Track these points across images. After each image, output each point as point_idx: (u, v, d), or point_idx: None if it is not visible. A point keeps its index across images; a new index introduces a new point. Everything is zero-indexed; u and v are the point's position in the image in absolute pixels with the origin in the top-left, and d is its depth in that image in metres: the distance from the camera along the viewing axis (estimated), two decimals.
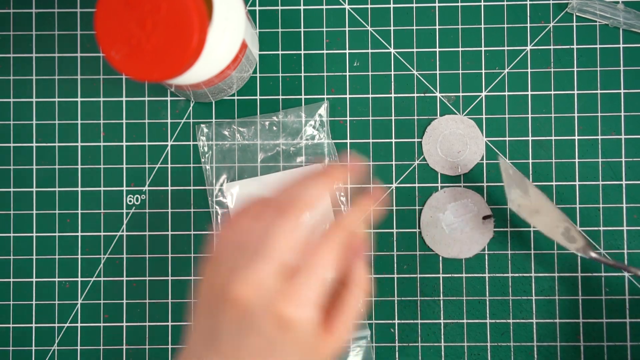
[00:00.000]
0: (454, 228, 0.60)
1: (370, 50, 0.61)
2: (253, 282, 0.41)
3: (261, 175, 0.62)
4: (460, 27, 0.61)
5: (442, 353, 0.61)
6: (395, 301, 0.61)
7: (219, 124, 0.61)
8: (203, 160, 0.61)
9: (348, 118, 0.62)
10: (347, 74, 0.62)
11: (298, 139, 0.61)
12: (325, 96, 0.61)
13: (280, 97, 0.62)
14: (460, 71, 0.61)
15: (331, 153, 0.61)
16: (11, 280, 0.62)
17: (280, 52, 0.62)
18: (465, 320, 0.61)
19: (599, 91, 0.61)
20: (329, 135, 0.61)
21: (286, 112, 0.61)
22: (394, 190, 0.61)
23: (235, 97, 0.62)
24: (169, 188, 0.62)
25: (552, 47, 0.61)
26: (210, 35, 0.46)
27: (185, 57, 0.44)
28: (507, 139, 0.61)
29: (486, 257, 0.61)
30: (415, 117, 0.61)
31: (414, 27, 0.62)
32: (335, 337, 0.43)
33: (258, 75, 0.62)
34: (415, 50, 0.62)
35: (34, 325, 0.62)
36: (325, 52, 0.62)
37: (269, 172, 0.61)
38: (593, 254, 0.57)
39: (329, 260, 0.42)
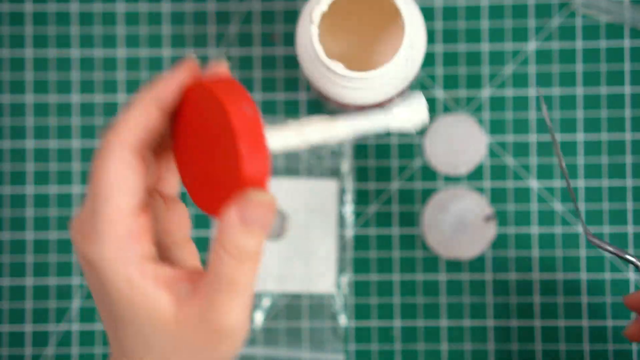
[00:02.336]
0: (455, 229, 0.60)
1: None
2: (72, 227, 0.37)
3: (275, 177, 0.61)
4: (462, 25, 0.61)
5: (444, 356, 0.60)
6: (396, 303, 0.61)
7: None
8: None
9: None
10: None
11: (320, 151, 0.61)
12: None
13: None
14: (463, 70, 0.61)
15: (350, 173, 0.61)
16: (6, 282, 0.62)
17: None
18: (467, 323, 0.60)
19: (604, 90, 0.60)
20: (351, 156, 0.61)
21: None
22: (395, 191, 0.61)
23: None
24: None
25: (555, 45, 0.61)
26: (400, 55, 0.48)
27: (235, 190, 0.36)
28: (509, 138, 0.61)
29: (488, 259, 0.60)
30: None
31: None
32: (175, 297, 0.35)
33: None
34: None
35: (29, 327, 0.62)
36: None
37: (285, 176, 0.61)
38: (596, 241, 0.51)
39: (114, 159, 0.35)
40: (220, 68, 0.38)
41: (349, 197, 0.61)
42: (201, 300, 0.34)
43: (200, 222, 0.62)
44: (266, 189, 0.35)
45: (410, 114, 0.40)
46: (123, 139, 0.35)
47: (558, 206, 0.60)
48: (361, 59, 0.56)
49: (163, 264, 0.36)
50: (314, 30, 0.49)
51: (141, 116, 0.36)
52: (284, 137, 0.38)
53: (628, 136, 0.60)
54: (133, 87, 0.62)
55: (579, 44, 0.61)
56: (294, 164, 0.61)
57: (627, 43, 0.61)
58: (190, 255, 0.39)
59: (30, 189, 0.62)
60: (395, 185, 0.61)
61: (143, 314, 0.35)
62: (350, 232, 0.61)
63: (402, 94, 0.56)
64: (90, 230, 0.35)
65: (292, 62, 0.62)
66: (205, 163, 0.37)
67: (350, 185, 0.61)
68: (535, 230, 0.60)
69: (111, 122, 0.35)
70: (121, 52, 0.62)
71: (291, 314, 0.61)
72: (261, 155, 0.35)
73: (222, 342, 0.35)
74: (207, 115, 0.36)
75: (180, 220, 0.39)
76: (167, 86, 0.36)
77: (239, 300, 0.35)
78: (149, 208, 0.37)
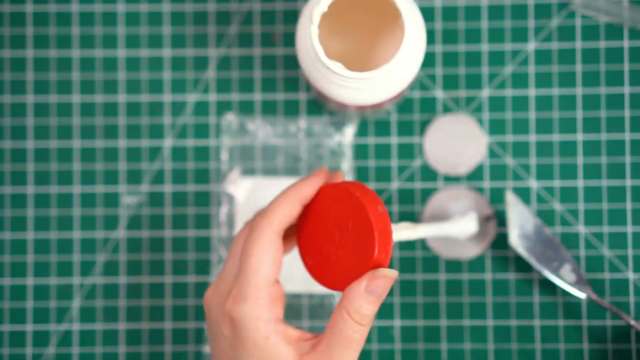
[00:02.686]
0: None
1: None
2: (216, 291, 0.48)
3: (276, 177, 0.61)
4: (461, 25, 0.61)
5: (444, 355, 0.60)
6: (396, 303, 0.61)
7: (246, 117, 0.61)
8: (222, 149, 0.61)
9: (349, 117, 0.61)
10: None
11: (321, 150, 0.61)
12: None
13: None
14: (462, 70, 0.61)
15: (350, 173, 0.61)
16: (7, 281, 0.62)
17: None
18: (466, 322, 0.60)
19: (603, 90, 0.61)
20: (351, 156, 0.61)
21: (312, 121, 0.61)
22: (395, 191, 0.61)
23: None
24: (169, 188, 0.62)
25: (555, 45, 0.61)
26: (400, 55, 0.48)
27: (365, 271, 0.45)
28: (509, 138, 0.61)
29: (488, 258, 0.61)
30: (417, 117, 0.61)
31: None
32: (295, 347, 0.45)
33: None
34: None
35: (29, 327, 0.62)
36: None
37: (285, 176, 0.61)
38: (593, 296, 0.58)
39: (253, 249, 0.46)
40: (339, 174, 0.50)
41: None
42: (321, 353, 0.44)
43: (201, 223, 0.62)
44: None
45: (466, 228, 0.58)
46: (274, 226, 0.46)
47: (557, 206, 0.60)
48: (361, 59, 0.56)
49: (288, 325, 0.46)
50: (314, 30, 0.49)
51: (287, 209, 0.47)
52: (400, 232, 0.52)
53: (627, 136, 0.60)
54: (133, 87, 0.62)
55: (578, 45, 0.61)
56: (294, 164, 0.61)
57: (626, 43, 0.61)
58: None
59: (30, 189, 0.62)
60: (395, 185, 0.61)
61: None
62: None
63: (402, 94, 0.56)
64: (237, 293, 0.45)
65: (292, 62, 0.62)
66: (334, 246, 0.46)
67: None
68: None
69: (260, 212, 0.48)
70: (121, 52, 0.62)
71: (291, 314, 0.61)
72: (388, 246, 0.45)
73: None
74: (342, 208, 0.46)
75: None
76: (308, 187, 0.47)
77: (353, 354, 0.44)
78: (278, 281, 0.47)
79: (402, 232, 0.52)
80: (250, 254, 0.45)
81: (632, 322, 0.57)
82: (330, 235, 0.47)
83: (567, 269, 0.58)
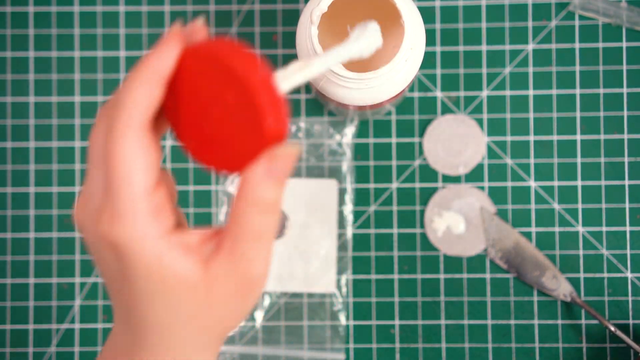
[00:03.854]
0: (458, 226, 0.60)
1: None
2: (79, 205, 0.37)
3: None
4: (461, 26, 0.61)
5: (443, 354, 0.60)
6: (396, 302, 0.61)
7: None
8: None
9: (349, 117, 0.61)
10: None
11: (321, 150, 0.61)
12: None
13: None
14: (462, 70, 0.61)
15: (350, 173, 0.61)
16: (8, 281, 0.62)
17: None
18: (466, 322, 0.61)
19: (601, 90, 0.61)
20: (351, 156, 0.61)
21: (312, 122, 0.61)
22: (395, 190, 0.61)
23: None
24: None
25: (553, 46, 0.61)
26: (400, 55, 0.48)
27: (259, 146, 0.37)
28: (508, 138, 0.61)
29: (487, 258, 0.61)
30: (416, 117, 0.61)
31: None
32: (219, 268, 0.36)
33: None
34: None
35: (31, 326, 0.62)
36: None
37: None
38: (577, 300, 0.59)
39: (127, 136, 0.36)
40: (199, 27, 0.38)
41: (349, 197, 0.61)
42: (228, 255, 0.36)
43: (201, 223, 0.62)
44: (286, 141, 0.36)
45: (368, 42, 0.46)
46: (135, 119, 0.35)
47: (557, 206, 0.61)
48: (361, 59, 0.56)
49: (184, 230, 0.37)
50: (314, 31, 0.49)
51: (146, 95, 0.36)
52: (292, 78, 0.39)
53: (625, 136, 0.61)
54: None
55: (577, 45, 0.61)
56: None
57: (624, 44, 0.61)
58: (183, 215, 0.40)
59: (32, 189, 0.62)
60: (395, 185, 0.61)
61: (173, 284, 0.36)
62: (350, 232, 0.61)
63: (401, 94, 0.56)
64: (111, 212, 0.35)
65: None
66: (215, 124, 0.37)
67: (350, 185, 0.61)
68: (534, 229, 0.61)
69: (113, 100, 0.37)
70: (122, 52, 0.62)
71: (291, 314, 0.61)
72: (280, 111, 0.36)
73: (251, 291, 0.37)
74: (214, 79, 0.36)
75: (173, 184, 0.40)
76: (165, 60, 0.36)
77: (264, 249, 0.36)
78: (162, 180, 0.37)
79: (294, 77, 0.40)
80: (117, 160, 0.35)
81: (607, 324, 0.58)
82: (206, 113, 0.38)
83: (548, 277, 0.59)
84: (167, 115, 0.39)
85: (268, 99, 0.36)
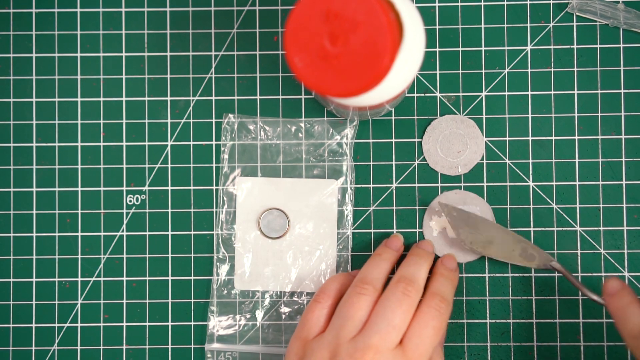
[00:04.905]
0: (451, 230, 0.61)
1: None
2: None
3: (276, 177, 0.62)
4: (460, 26, 0.61)
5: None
6: None
7: (246, 117, 0.61)
8: (223, 149, 0.61)
9: (349, 117, 0.62)
10: None
11: (321, 150, 0.61)
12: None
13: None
14: (460, 71, 0.61)
15: (350, 173, 0.61)
16: (11, 280, 0.62)
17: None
18: (465, 320, 0.61)
19: (599, 91, 0.61)
20: (351, 156, 0.61)
21: (312, 122, 0.61)
22: (394, 191, 0.61)
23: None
24: (169, 188, 0.62)
25: (552, 47, 0.61)
26: (400, 56, 0.47)
27: (370, 81, 0.41)
28: (507, 138, 0.61)
29: (487, 258, 0.61)
30: (415, 117, 0.61)
31: None
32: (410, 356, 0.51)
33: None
34: None
35: (33, 325, 0.62)
36: None
37: (285, 176, 0.61)
38: (555, 264, 0.58)
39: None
40: None
41: (349, 197, 0.61)
42: None
43: (202, 223, 0.62)
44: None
45: None
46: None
47: (555, 206, 0.61)
48: None
49: None
50: None
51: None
52: None
53: (623, 136, 0.61)
54: (134, 87, 0.62)
55: (575, 46, 0.61)
56: (294, 164, 0.62)
57: (621, 45, 0.61)
58: None
59: (34, 189, 0.62)
60: (394, 185, 0.61)
61: None
62: (350, 232, 0.61)
63: (401, 95, 0.56)
64: None
65: None
66: (335, 48, 0.41)
67: (350, 185, 0.61)
68: (532, 229, 0.61)
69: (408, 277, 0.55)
70: (122, 53, 0.62)
71: (291, 313, 0.61)
72: (395, 54, 0.42)
73: None
74: (352, 5, 0.41)
75: None
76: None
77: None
78: None
79: None
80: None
81: (595, 298, 0.56)
82: (333, 36, 0.41)
83: (525, 251, 0.59)
84: (287, 26, 0.42)
85: (392, 44, 0.41)
